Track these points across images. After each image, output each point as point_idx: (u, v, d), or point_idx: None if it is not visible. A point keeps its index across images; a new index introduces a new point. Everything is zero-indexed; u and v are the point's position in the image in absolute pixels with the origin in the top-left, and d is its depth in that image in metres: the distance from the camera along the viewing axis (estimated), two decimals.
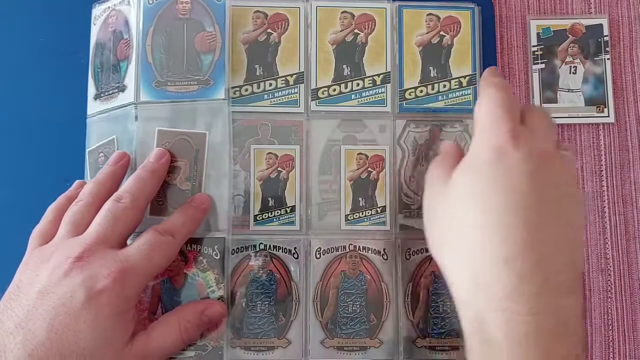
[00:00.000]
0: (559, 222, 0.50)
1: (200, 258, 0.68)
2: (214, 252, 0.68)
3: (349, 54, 0.72)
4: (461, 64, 0.72)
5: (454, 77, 0.72)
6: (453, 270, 0.54)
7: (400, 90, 0.72)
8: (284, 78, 0.71)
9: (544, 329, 0.47)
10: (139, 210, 0.63)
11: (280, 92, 0.71)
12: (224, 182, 0.69)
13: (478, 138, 0.55)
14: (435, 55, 0.73)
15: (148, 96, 0.69)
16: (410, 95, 0.72)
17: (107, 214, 0.60)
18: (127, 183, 0.64)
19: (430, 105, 0.72)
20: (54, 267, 0.57)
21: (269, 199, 0.70)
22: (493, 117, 0.53)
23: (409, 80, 0.72)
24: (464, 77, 0.72)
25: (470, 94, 0.72)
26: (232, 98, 0.71)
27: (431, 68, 0.72)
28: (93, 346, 0.55)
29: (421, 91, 0.72)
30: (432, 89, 0.72)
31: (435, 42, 0.73)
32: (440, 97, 0.72)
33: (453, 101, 0.72)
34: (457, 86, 0.72)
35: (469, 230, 0.52)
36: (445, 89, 0.72)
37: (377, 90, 0.71)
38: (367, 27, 0.72)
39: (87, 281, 0.56)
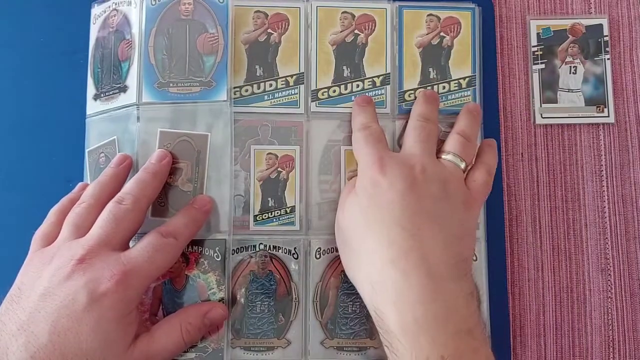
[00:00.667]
0: (432, 225, 0.60)
1: (202, 260, 0.68)
2: (215, 254, 0.68)
3: (349, 55, 0.72)
4: (461, 65, 0.72)
5: (453, 78, 0.72)
6: (355, 277, 0.64)
7: (399, 92, 0.72)
8: (284, 79, 0.71)
9: (431, 313, 0.55)
10: (141, 212, 0.63)
11: (280, 93, 0.71)
12: (225, 183, 0.69)
13: (359, 172, 0.66)
14: (435, 56, 0.73)
15: (150, 97, 0.69)
16: (409, 96, 0.72)
17: (108, 215, 0.61)
18: (129, 185, 0.64)
19: None
20: (56, 269, 0.57)
21: (269, 199, 0.70)
22: (364, 154, 0.66)
23: (409, 81, 0.72)
24: (464, 78, 0.72)
25: (469, 95, 0.72)
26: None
27: (431, 69, 0.72)
28: (96, 348, 0.55)
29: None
30: (432, 90, 0.72)
31: (436, 43, 0.73)
32: (440, 98, 0.72)
33: (453, 102, 0.72)
34: (456, 88, 0.72)
35: (361, 242, 0.62)
36: (445, 90, 0.72)
37: (376, 91, 0.72)
38: (367, 27, 0.72)
39: (89, 283, 0.56)
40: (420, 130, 0.67)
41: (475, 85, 0.72)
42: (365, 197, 0.62)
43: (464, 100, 0.72)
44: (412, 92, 0.72)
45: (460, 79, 0.72)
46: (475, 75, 0.72)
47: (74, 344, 0.54)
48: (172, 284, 0.68)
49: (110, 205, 0.62)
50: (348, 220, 0.64)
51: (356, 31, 0.72)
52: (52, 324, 0.54)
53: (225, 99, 0.70)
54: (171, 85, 0.69)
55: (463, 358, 0.54)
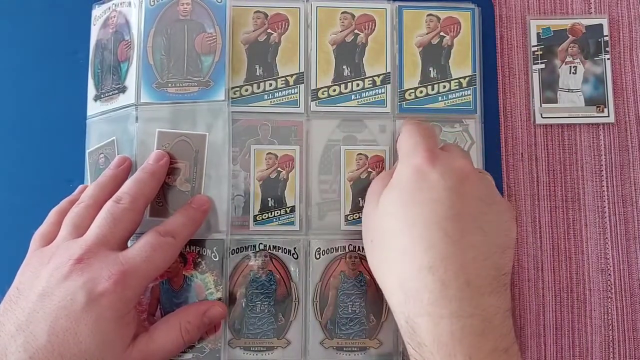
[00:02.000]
0: (477, 231, 0.56)
1: (199, 260, 0.69)
2: (213, 254, 0.68)
3: (349, 55, 0.72)
4: (461, 64, 0.72)
5: (454, 77, 0.72)
6: (385, 281, 0.59)
7: (400, 91, 0.72)
8: (284, 78, 0.71)
9: (469, 328, 0.51)
10: (139, 212, 0.63)
11: (280, 93, 0.71)
12: (223, 183, 0.69)
13: (401, 161, 0.61)
14: (435, 55, 0.73)
15: (149, 97, 0.69)
16: (410, 95, 0.72)
17: (106, 215, 0.61)
18: (126, 184, 0.64)
19: (430, 105, 0.72)
20: (54, 269, 0.57)
21: (269, 199, 0.70)
22: (412, 143, 0.61)
23: (409, 80, 0.72)
24: (464, 77, 0.72)
25: (470, 94, 0.72)
26: (232, 98, 0.71)
27: (431, 69, 0.72)
28: (94, 349, 0.55)
29: (421, 92, 0.72)
30: (432, 89, 0.72)
31: (435, 42, 0.73)
32: (440, 98, 0.72)
33: (453, 102, 0.72)
34: (457, 87, 0.72)
35: (396, 242, 0.57)
36: (445, 89, 0.72)
37: (377, 90, 0.72)
38: (367, 27, 0.72)
39: (87, 283, 0.56)
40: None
41: (475, 85, 0.72)
42: (406, 190, 0.58)
43: (464, 99, 0.72)
44: (413, 91, 0.72)
45: (461, 78, 0.72)
46: (475, 74, 0.72)
47: (73, 344, 0.54)
48: (170, 284, 0.68)
49: (107, 204, 0.62)
50: (382, 215, 0.60)
51: (356, 31, 0.72)
52: (50, 325, 0.54)
53: (224, 98, 0.70)
54: (169, 85, 0.69)
55: None
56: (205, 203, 0.67)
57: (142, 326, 0.63)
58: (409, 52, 0.72)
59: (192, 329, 0.63)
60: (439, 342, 0.51)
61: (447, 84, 0.72)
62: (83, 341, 0.54)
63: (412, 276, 0.54)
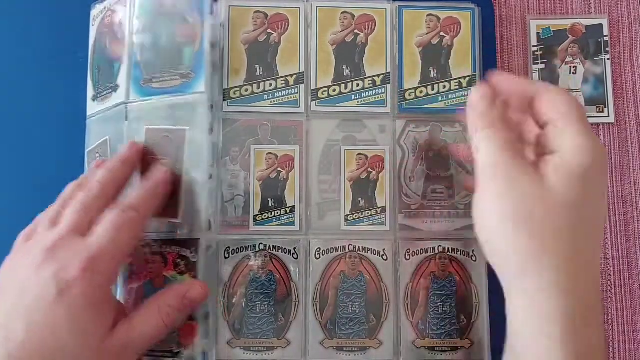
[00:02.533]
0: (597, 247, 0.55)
1: (178, 260, 0.68)
2: (192, 254, 0.68)
3: (349, 55, 0.72)
4: (461, 64, 0.72)
5: (454, 77, 0.72)
6: (520, 268, 0.51)
7: (400, 91, 0.72)
8: (284, 78, 0.71)
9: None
10: (108, 198, 0.62)
11: (280, 93, 0.71)
12: (204, 179, 0.68)
13: (573, 141, 0.51)
14: (435, 55, 0.73)
15: (136, 94, 0.70)
16: (410, 95, 0.72)
17: (76, 203, 0.60)
18: (98, 173, 0.63)
19: (430, 105, 0.72)
20: (29, 262, 0.56)
21: (269, 199, 0.70)
22: (588, 126, 0.53)
23: (409, 80, 0.72)
24: (464, 77, 0.72)
25: None
26: (232, 98, 0.71)
27: (431, 69, 0.72)
28: (72, 340, 0.54)
29: (421, 92, 0.72)
30: (432, 89, 0.72)
31: (435, 42, 0.73)
32: (440, 98, 0.72)
33: (453, 102, 0.72)
34: (457, 87, 0.72)
35: (563, 240, 0.50)
36: (445, 89, 0.72)
37: (377, 90, 0.72)
38: (367, 27, 0.72)
39: (58, 273, 0.55)
40: None
41: (475, 85, 0.72)
42: (599, 183, 0.53)
43: (464, 99, 0.71)
44: (413, 91, 0.72)
45: (461, 78, 0.72)
46: (475, 74, 0.72)
47: (50, 338, 0.53)
48: (152, 284, 0.68)
49: (78, 194, 0.61)
50: (562, 198, 0.50)
51: (356, 31, 0.72)
52: (27, 321, 0.53)
53: (203, 90, 0.69)
54: (154, 80, 0.69)
55: None
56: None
57: (122, 314, 0.62)
58: (409, 52, 0.72)
59: (172, 312, 0.61)
60: (594, 351, 0.50)
61: (447, 84, 0.72)
62: (59, 333, 0.54)
63: (583, 283, 0.51)
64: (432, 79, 0.72)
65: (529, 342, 0.51)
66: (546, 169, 0.51)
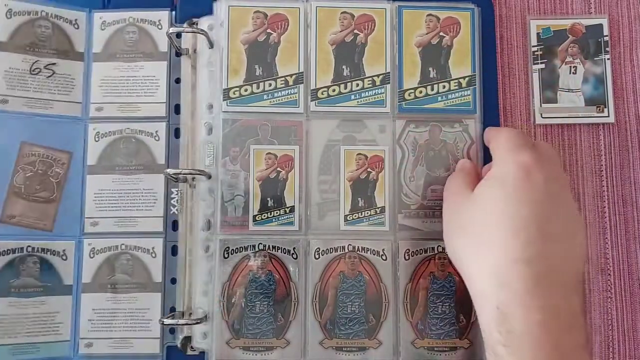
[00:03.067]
0: (568, 237, 0.58)
1: None
2: None
3: (348, 55, 0.72)
4: (461, 64, 0.72)
5: (453, 77, 0.72)
6: (472, 267, 0.60)
7: (399, 91, 0.72)
8: (283, 78, 0.71)
9: (557, 321, 0.54)
10: None
11: (279, 93, 0.71)
12: None
13: (504, 157, 0.61)
14: (434, 56, 0.72)
15: None
16: (409, 96, 0.72)
17: None
18: None
19: (430, 105, 0.71)
20: None
21: (268, 199, 0.70)
22: (516, 142, 0.61)
23: (409, 80, 0.72)
24: (464, 78, 0.72)
25: (469, 94, 0.72)
26: (232, 98, 0.71)
27: (431, 69, 0.72)
28: None
29: (421, 92, 0.71)
30: (432, 89, 0.72)
31: (435, 42, 0.72)
32: (439, 98, 0.71)
33: (453, 102, 0.71)
34: (456, 87, 0.72)
35: (491, 235, 0.58)
36: (445, 89, 0.71)
37: (376, 90, 0.71)
38: (366, 27, 0.72)
39: None
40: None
41: (475, 85, 0.72)
42: (509, 187, 0.58)
43: (464, 99, 0.71)
44: (412, 91, 0.72)
45: (460, 78, 0.72)
46: (475, 74, 0.72)
47: None
48: None
49: None
50: (483, 207, 0.60)
51: (356, 31, 0.72)
52: None
53: None
54: None
55: None
56: None
57: None
58: (408, 52, 0.72)
59: None
60: (529, 331, 0.53)
61: (446, 84, 0.71)
62: None
63: (508, 266, 0.55)
64: (432, 79, 0.72)
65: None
66: (476, 188, 0.62)
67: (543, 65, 0.75)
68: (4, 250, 0.69)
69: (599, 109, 0.74)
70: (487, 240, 0.58)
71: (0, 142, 0.70)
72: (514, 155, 0.60)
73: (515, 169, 0.59)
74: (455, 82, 0.72)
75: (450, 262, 0.65)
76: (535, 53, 0.75)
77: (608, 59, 0.75)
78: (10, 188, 0.70)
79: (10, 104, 0.71)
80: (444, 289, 0.69)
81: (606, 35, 0.75)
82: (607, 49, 0.75)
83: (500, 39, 0.76)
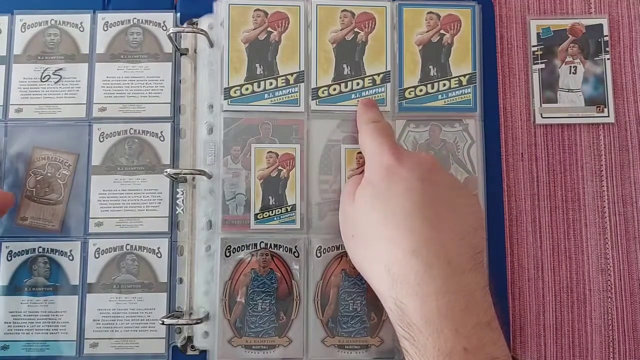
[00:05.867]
0: (451, 215, 0.57)
1: None
2: None
3: (349, 53, 0.70)
4: (461, 62, 0.70)
5: (454, 75, 0.69)
6: (370, 269, 0.60)
7: (400, 90, 0.70)
8: (284, 77, 0.69)
9: (453, 303, 0.52)
10: None
11: (280, 92, 0.69)
12: None
13: (369, 162, 0.62)
14: (435, 54, 0.70)
15: None
16: (410, 94, 0.69)
17: None
18: None
19: (430, 104, 0.69)
20: None
21: (270, 197, 0.68)
22: (377, 144, 0.62)
23: (409, 79, 0.70)
24: (464, 75, 0.70)
25: (470, 92, 0.69)
26: (233, 97, 0.69)
27: (431, 67, 0.70)
28: None
29: (421, 90, 0.69)
30: (432, 87, 0.69)
31: (435, 40, 0.70)
32: (440, 96, 0.69)
33: (453, 100, 0.69)
34: (457, 85, 0.69)
35: (379, 232, 0.57)
36: (445, 87, 0.69)
37: (377, 89, 0.69)
38: (367, 25, 0.70)
39: None
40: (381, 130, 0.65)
41: (475, 83, 0.69)
42: (382, 185, 0.58)
43: (464, 97, 0.69)
44: (413, 89, 0.70)
45: (461, 76, 0.69)
46: (475, 72, 0.70)
47: None
48: None
49: None
50: (362, 211, 0.60)
51: (356, 29, 0.70)
52: None
53: None
54: None
55: (484, 350, 0.52)
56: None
57: None
58: (409, 50, 0.70)
59: None
60: (426, 319, 0.52)
61: (447, 82, 0.69)
62: None
63: (397, 261, 0.55)
64: (432, 77, 0.70)
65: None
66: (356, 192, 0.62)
67: (543, 65, 0.72)
68: (19, 251, 0.69)
69: (599, 109, 0.72)
70: (373, 241, 0.58)
71: (16, 149, 0.70)
72: (376, 158, 0.61)
73: (379, 171, 0.60)
74: (455, 80, 0.69)
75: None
76: (535, 53, 0.73)
77: (608, 59, 0.72)
78: (23, 192, 0.70)
79: (24, 112, 0.71)
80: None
81: (606, 35, 0.73)
82: (607, 49, 0.73)
83: (500, 39, 0.74)
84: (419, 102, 0.69)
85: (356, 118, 0.68)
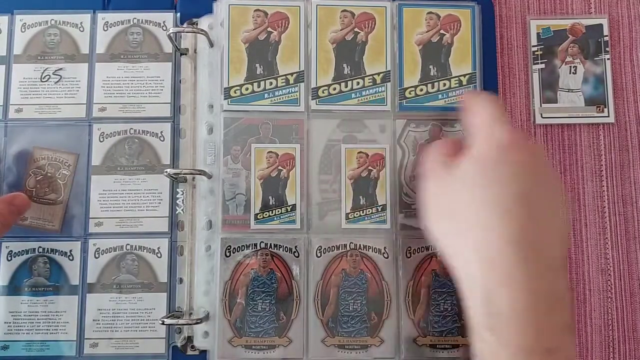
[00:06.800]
0: (553, 215, 0.54)
1: None
2: None
3: (349, 53, 0.69)
4: (461, 62, 0.69)
5: (454, 75, 0.69)
6: (459, 251, 0.55)
7: (400, 89, 0.69)
8: (284, 77, 0.68)
9: (542, 301, 0.50)
10: None
11: (280, 91, 0.68)
12: None
13: (481, 134, 0.56)
14: (435, 53, 0.69)
15: None
16: (410, 94, 0.68)
17: None
18: None
19: (431, 104, 0.68)
20: None
21: (270, 197, 0.67)
22: (491, 116, 0.56)
23: (409, 78, 0.69)
24: (464, 75, 0.69)
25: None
26: (233, 97, 0.68)
27: (431, 67, 0.69)
28: None
29: (421, 90, 0.68)
30: (432, 87, 0.68)
31: (435, 40, 0.69)
32: (440, 96, 0.68)
33: (453, 99, 0.68)
34: (457, 84, 0.68)
35: (477, 215, 0.53)
36: (446, 87, 0.68)
37: (377, 89, 0.68)
38: (367, 25, 0.69)
39: None
40: None
41: (475, 82, 0.69)
42: (491, 165, 0.54)
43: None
44: (413, 89, 0.69)
45: (461, 76, 0.69)
46: (475, 72, 0.69)
47: None
48: None
49: None
50: (460, 187, 0.55)
51: (356, 29, 0.69)
52: None
53: None
54: None
55: (564, 353, 0.50)
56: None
57: None
58: (409, 50, 0.69)
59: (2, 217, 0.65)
60: (515, 314, 0.49)
61: (447, 82, 0.68)
62: None
63: (494, 249, 0.51)
64: (432, 77, 0.69)
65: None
66: (456, 169, 0.56)
67: (543, 65, 0.72)
68: (19, 251, 0.68)
69: (599, 109, 0.71)
70: (474, 222, 0.53)
71: (16, 149, 0.69)
72: (490, 131, 0.55)
73: (493, 149, 0.54)
74: (455, 80, 0.68)
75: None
76: (535, 53, 0.72)
77: (608, 59, 0.72)
78: (23, 192, 0.68)
79: (24, 112, 0.69)
80: (447, 286, 0.66)
81: (606, 35, 0.72)
82: (607, 49, 0.72)
83: (500, 39, 0.73)
84: (420, 102, 0.68)
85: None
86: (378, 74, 0.68)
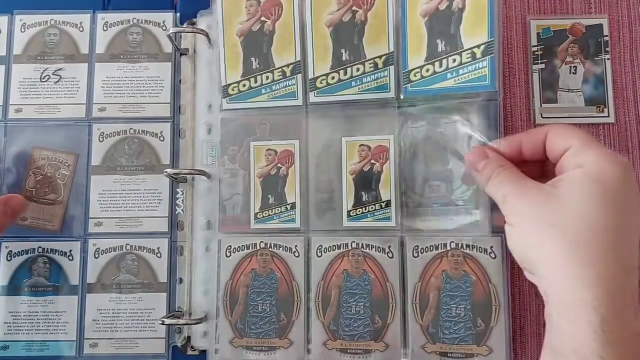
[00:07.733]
0: None
1: None
2: None
3: (347, 36, 0.40)
4: (475, 29, 0.38)
5: (465, 48, 0.38)
6: (570, 277, 0.31)
7: (404, 72, 0.39)
8: (280, 69, 0.41)
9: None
10: None
11: (277, 85, 0.41)
12: None
13: (600, 155, 0.32)
14: (443, 24, 0.39)
15: None
16: (415, 76, 0.39)
17: None
18: None
19: (439, 85, 0.38)
20: None
21: (269, 196, 0.40)
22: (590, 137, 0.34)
23: (414, 59, 0.39)
24: (478, 46, 0.37)
25: (485, 66, 0.37)
26: (231, 95, 0.41)
27: (439, 41, 0.38)
28: None
29: (427, 70, 0.38)
30: (440, 65, 0.38)
31: (444, 7, 0.39)
32: (449, 75, 0.38)
33: (465, 77, 0.38)
34: (469, 59, 0.37)
35: (600, 240, 0.31)
36: (456, 64, 0.38)
37: (379, 74, 0.39)
38: (365, 2, 0.40)
39: None
40: None
41: (493, 53, 0.36)
42: (616, 189, 0.31)
43: (478, 73, 0.37)
44: (418, 70, 0.39)
45: (474, 47, 0.37)
46: (493, 40, 0.36)
47: None
48: None
49: None
50: (579, 205, 0.31)
51: (354, 8, 0.40)
52: None
53: None
54: None
55: None
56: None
57: None
58: (413, 25, 0.39)
59: None
60: (627, 343, 0.30)
61: (457, 57, 0.38)
62: None
63: (615, 274, 0.30)
64: (440, 54, 0.38)
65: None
66: (565, 183, 0.32)
67: (543, 65, 0.44)
68: (19, 251, 0.44)
69: (599, 109, 0.44)
70: (592, 243, 0.31)
71: (16, 149, 0.44)
72: (612, 155, 0.32)
73: (619, 170, 0.31)
74: (467, 54, 0.37)
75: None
76: (535, 53, 0.44)
77: (608, 59, 0.44)
78: (23, 192, 0.44)
79: (23, 112, 0.44)
80: (459, 289, 0.38)
81: (606, 35, 0.44)
82: (607, 49, 0.44)
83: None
84: (426, 85, 0.38)
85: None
86: (380, 56, 0.39)
